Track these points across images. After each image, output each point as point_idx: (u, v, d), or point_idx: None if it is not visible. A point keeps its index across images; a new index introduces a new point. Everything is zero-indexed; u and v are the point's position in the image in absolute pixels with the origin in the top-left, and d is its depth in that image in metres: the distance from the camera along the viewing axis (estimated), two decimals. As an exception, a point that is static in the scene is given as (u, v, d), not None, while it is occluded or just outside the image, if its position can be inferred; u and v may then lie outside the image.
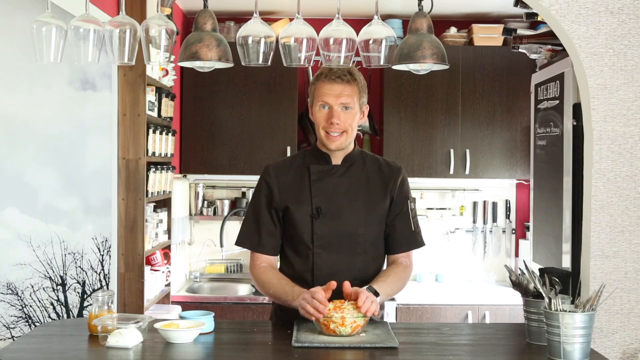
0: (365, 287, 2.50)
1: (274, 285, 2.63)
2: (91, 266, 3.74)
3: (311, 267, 2.63)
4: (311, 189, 2.65)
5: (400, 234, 2.72)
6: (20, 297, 3.71)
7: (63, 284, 3.73)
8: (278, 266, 2.77)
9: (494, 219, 5.22)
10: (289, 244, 2.70)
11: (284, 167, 2.73)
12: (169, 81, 4.30)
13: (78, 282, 3.74)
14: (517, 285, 2.48)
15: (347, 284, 2.46)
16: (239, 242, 2.76)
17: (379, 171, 2.73)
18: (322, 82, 2.63)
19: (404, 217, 2.73)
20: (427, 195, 5.25)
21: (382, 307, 2.72)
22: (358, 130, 2.83)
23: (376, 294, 2.49)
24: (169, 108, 4.30)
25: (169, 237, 4.44)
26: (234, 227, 5.21)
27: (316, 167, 2.68)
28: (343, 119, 2.61)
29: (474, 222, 5.27)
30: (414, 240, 2.75)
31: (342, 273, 2.60)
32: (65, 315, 3.74)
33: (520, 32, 4.00)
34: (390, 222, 2.71)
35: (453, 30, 4.98)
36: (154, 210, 4.20)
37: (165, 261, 4.30)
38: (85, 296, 3.75)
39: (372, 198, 2.68)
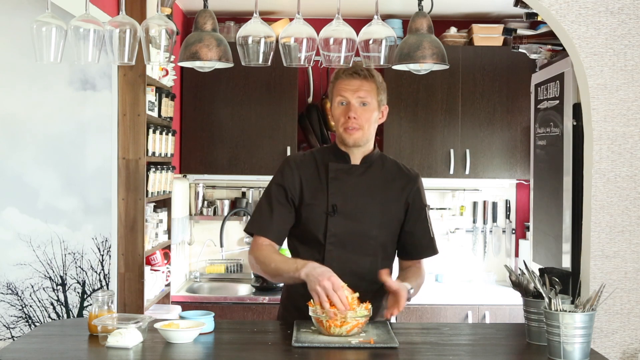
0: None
1: (275, 260, 2.59)
2: (91, 266, 3.74)
3: (321, 263, 2.61)
4: (328, 186, 2.65)
5: (419, 241, 2.76)
6: (20, 297, 3.71)
7: (63, 284, 3.73)
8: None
9: (494, 219, 5.22)
10: (300, 238, 2.70)
11: (304, 162, 2.72)
12: (169, 81, 4.30)
13: (78, 282, 3.74)
14: (517, 285, 2.47)
15: (389, 280, 2.51)
16: (248, 228, 2.72)
17: (397, 175, 2.74)
18: (340, 78, 2.64)
19: (422, 225, 2.76)
20: (427, 195, 5.20)
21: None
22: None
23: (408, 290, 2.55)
24: (169, 108, 4.30)
25: (169, 237, 4.44)
26: (234, 227, 5.22)
27: (335, 165, 2.67)
28: (360, 114, 2.60)
29: (474, 222, 5.27)
30: (431, 248, 2.79)
31: (351, 272, 2.61)
32: (65, 315, 3.74)
33: (520, 32, 4.01)
34: (409, 229, 2.73)
35: (453, 30, 4.97)
36: (154, 210, 4.19)
37: (165, 261, 4.30)
38: (85, 296, 3.75)
39: (388, 201, 2.69)
